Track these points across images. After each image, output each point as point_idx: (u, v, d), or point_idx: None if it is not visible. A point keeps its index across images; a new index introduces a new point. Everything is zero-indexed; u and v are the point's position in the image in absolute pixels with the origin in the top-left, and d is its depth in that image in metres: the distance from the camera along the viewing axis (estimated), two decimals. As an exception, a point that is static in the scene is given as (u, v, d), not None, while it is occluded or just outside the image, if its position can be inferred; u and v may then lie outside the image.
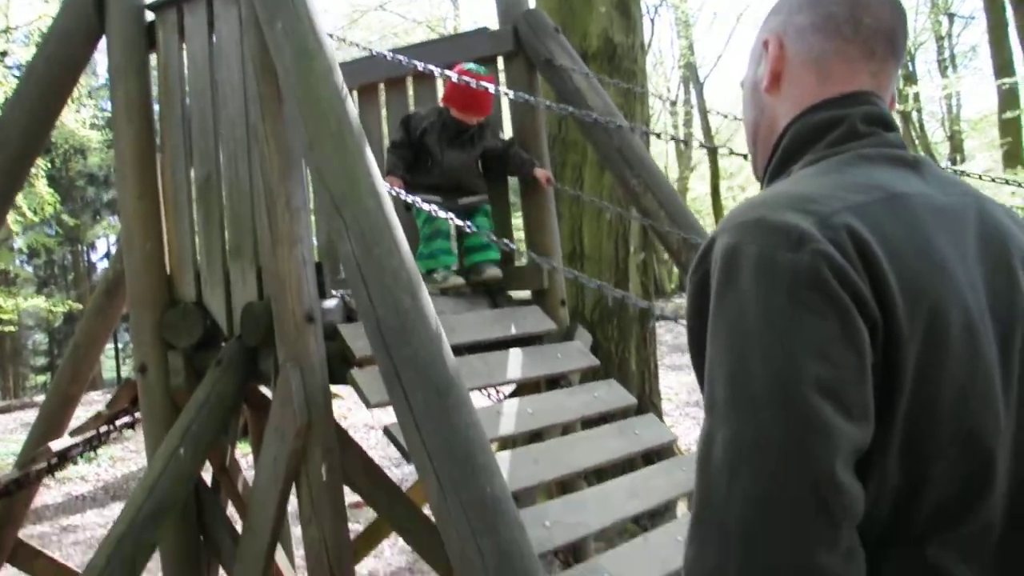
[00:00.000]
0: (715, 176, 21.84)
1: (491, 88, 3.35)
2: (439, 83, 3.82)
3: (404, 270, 2.24)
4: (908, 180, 1.12)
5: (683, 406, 9.01)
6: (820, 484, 0.90)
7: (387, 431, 2.60)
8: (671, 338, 12.87)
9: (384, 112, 4.33)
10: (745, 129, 1.37)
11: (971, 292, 1.04)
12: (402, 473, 6.86)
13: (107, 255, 24.32)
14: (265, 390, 3.57)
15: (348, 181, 2.32)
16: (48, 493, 7.44)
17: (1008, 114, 14.01)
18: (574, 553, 3.33)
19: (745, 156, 2.88)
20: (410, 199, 3.18)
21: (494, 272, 3.53)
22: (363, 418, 8.83)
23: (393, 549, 5.39)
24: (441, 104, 3.65)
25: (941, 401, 0.99)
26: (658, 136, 3.31)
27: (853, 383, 0.94)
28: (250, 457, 4.40)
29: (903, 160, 1.15)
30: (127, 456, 8.50)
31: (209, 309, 3.09)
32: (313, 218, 3.23)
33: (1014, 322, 1.08)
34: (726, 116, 3.62)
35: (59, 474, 7.38)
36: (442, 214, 3.09)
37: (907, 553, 1.01)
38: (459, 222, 3.12)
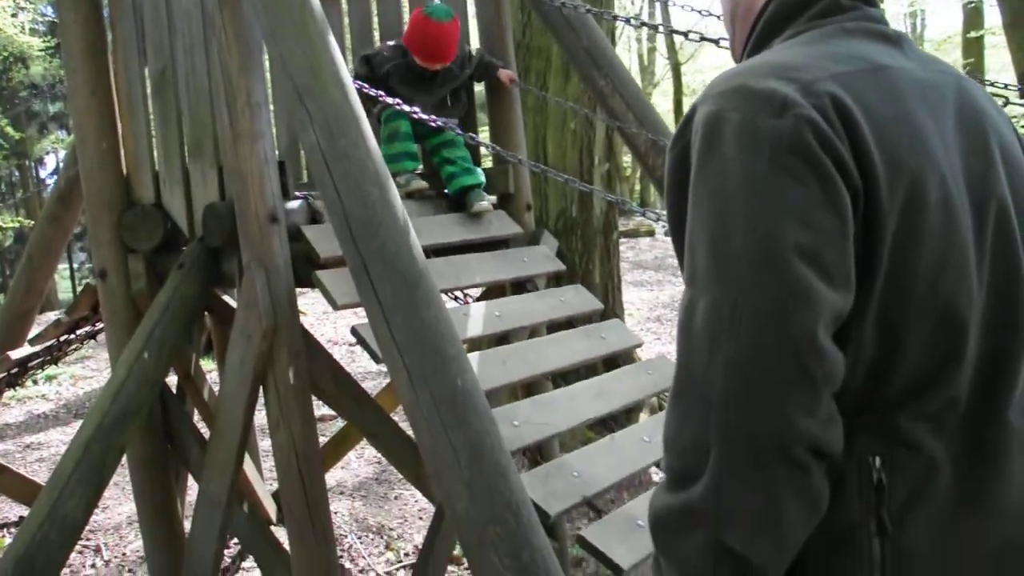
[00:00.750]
0: (678, 92, 21.67)
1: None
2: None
3: (371, 161, 2.18)
4: (890, 54, 1.11)
5: (644, 321, 9.11)
6: (802, 349, 0.90)
7: (355, 331, 2.58)
8: (632, 255, 12.95)
9: (346, 21, 4.20)
10: (722, 9, 1.34)
11: (949, 166, 1.03)
12: (368, 389, 6.89)
13: (56, 171, 23.65)
14: (230, 300, 3.52)
15: (312, 71, 2.24)
16: (9, 412, 7.36)
17: (972, 33, 14.00)
18: (541, 452, 3.37)
19: (715, 41, 2.87)
20: (373, 92, 3.09)
21: (485, 206, 3.41)
22: (326, 333, 8.81)
23: (360, 460, 5.44)
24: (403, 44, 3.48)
25: (918, 272, 0.99)
26: (627, 22, 3.24)
27: (834, 249, 0.93)
28: (215, 374, 4.37)
29: (885, 35, 1.13)
30: (88, 375, 8.42)
31: (169, 211, 3.01)
32: (273, 117, 3.15)
33: (988, 199, 1.08)
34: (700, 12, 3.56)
35: (20, 393, 7.30)
36: (405, 107, 3.01)
37: (878, 422, 1.02)
38: (424, 116, 3.05)
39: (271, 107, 3.00)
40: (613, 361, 4.20)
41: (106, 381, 2.85)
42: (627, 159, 16.14)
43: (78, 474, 2.68)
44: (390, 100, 3.02)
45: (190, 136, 2.95)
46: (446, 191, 3.46)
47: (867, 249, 0.97)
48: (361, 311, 2.27)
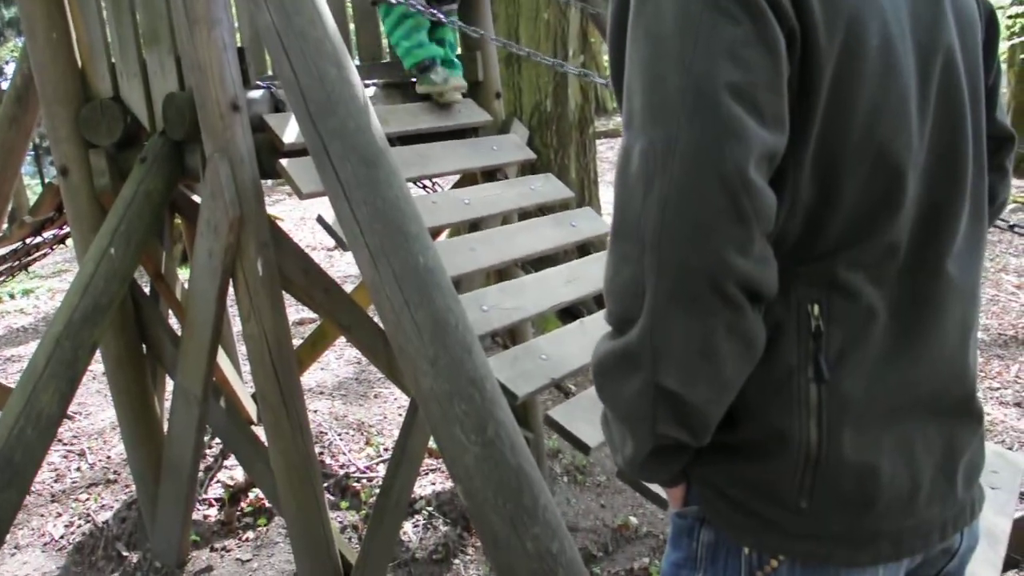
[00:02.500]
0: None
1: None
2: None
3: (328, 40, 2.14)
4: None
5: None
6: (732, 183, 0.91)
7: (320, 218, 2.57)
8: (612, 155, 12.87)
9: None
10: None
11: (892, 10, 1.02)
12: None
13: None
14: (197, 199, 3.49)
15: (262, -55, 2.17)
16: (-12, 326, 7.36)
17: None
18: (513, 339, 3.40)
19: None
20: None
21: (457, 97, 3.37)
22: (304, 239, 8.78)
23: (340, 361, 5.48)
24: None
25: (855, 114, 0.99)
26: None
27: (767, 88, 0.93)
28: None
29: None
30: (66, 287, 8.38)
31: (128, 104, 2.95)
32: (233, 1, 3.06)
33: (935, 50, 1.07)
34: None
35: (-3, 307, 7.28)
36: (419, 6, 2.95)
37: (817, 270, 1.03)
38: (440, 16, 3.02)
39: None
40: (586, 249, 4.22)
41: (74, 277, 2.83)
42: (606, 54, 15.88)
43: (51, 369, 2.69)
44: None
45: (145, 24, 2.87)
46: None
47: (804, 91, 0.97)
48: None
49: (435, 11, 3.12)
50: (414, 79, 3.36)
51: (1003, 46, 11.96)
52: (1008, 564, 2.08)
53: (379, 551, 3.21)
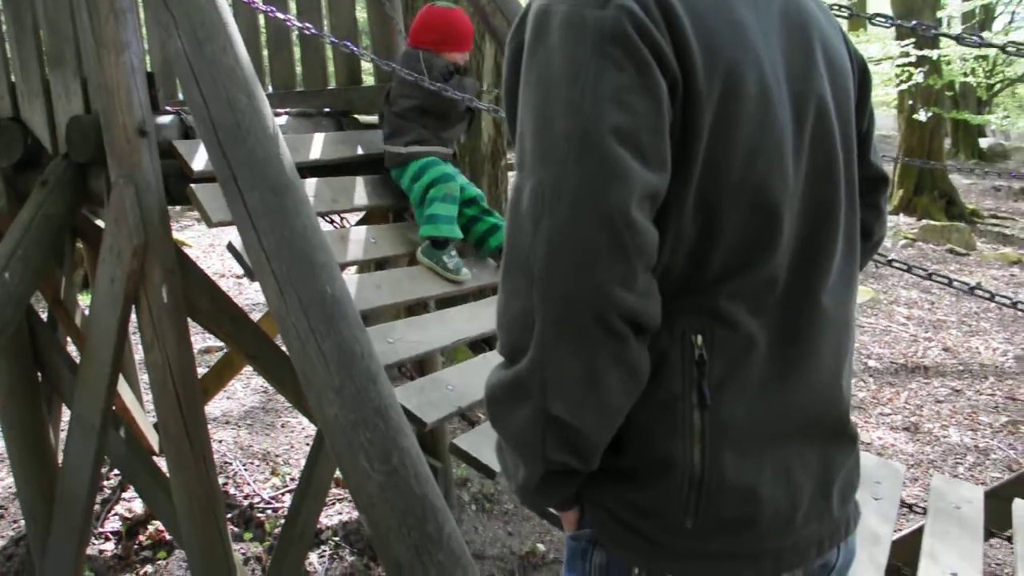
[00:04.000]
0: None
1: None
2: None
3: (239, 68, 2.14)
4: None
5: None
6: (616, 221, 0.96)
7: (231, 246, 2.55)
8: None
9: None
10: None
11: (769, 61, 1.10)
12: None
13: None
14: (101, 223, 3.41)
15: (174, -28, 2.17)
16: None
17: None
18: (420, 370, 3.42)
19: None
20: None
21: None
22: (212, 266, 8.61)
23: (246, 390, 5.39)
24: (421, 49, 3.10)
25: (733, 156, 1.06)
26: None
27: (650, 131, 0.99)
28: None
29: None
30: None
31: (29, 124, 2.88)
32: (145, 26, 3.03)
33: (807, 96, 1.15)
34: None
35: None
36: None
37: (699, 302, 1.09)
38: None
39: (140, 14, 2.88)
40: (493, 290, 4.26)
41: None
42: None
43: (-61, 399, 2.59)
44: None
45: (49, 45, 2.81)
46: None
47: (685, 135, 1.03)
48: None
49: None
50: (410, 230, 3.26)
51: (892, 92, 12.63)
52: (889, 572, 2.19)
53: (283, 583, 3.16)
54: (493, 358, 3.05)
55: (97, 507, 3.63)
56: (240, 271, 8.35)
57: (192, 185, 2.60)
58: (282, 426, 4.89)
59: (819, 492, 1.20)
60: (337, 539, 3.74)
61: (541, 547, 3.72)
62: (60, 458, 3.19)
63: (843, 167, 1.20)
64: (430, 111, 3.11)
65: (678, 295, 1.08)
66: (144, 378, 4.58)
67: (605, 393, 1.01)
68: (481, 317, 3.07)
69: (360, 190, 3.14)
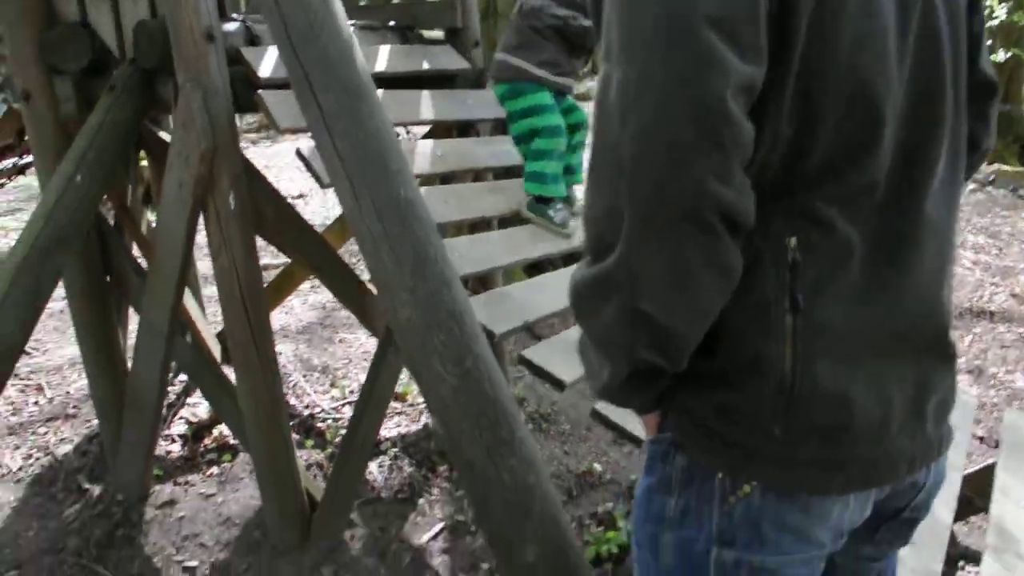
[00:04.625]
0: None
1: None
2: None
3: (310, -35, 2.10)
4: None
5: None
6: (711, 113, 0.92)
7: (299, 152, 2.54)
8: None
9: None
10: None
11: None
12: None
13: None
14: (166, 136, 3.41)
15: None
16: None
17: None
18: (483, 284, 3.41)
19: None
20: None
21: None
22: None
23: (304, 306, 5.46)
24: None
25: (836, 49, 1.00)
26: None
27: (746, 20, 0.94)
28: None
29: None
30: (21, 227, 8.19)
31: (96, 29, 2.87)
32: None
33: None
34: None
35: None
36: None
37: (794, 205, 1.05)
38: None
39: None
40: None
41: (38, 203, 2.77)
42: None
43: (12, 297, 2.64)
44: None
45: (116, -54, 2.79)
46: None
47: (784, 23, 0.98)
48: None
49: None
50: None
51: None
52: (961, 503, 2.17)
53: (345, 489, 3.23)
54: (558, 277, 3.05)
55: (163, 411, 3.72)
56: (297, 191, 8.40)
57: (260, 91, 2.59)
58: (340, 341, 4.95)
59: (913, 408, 1.17)
60: (396, 450, 3.80)
61: (598, 467, 3.74)
62: (130, 363, 3.26)
63: (951, 71, 1.14)
64: (568, 36, 2.96)
65: (772, 197, 1.04)
66: (206, 291, 4.66)
67: (696, 292, 0.99)
68: (545, 240, 3.06)
69: (426, 104, 3.10)
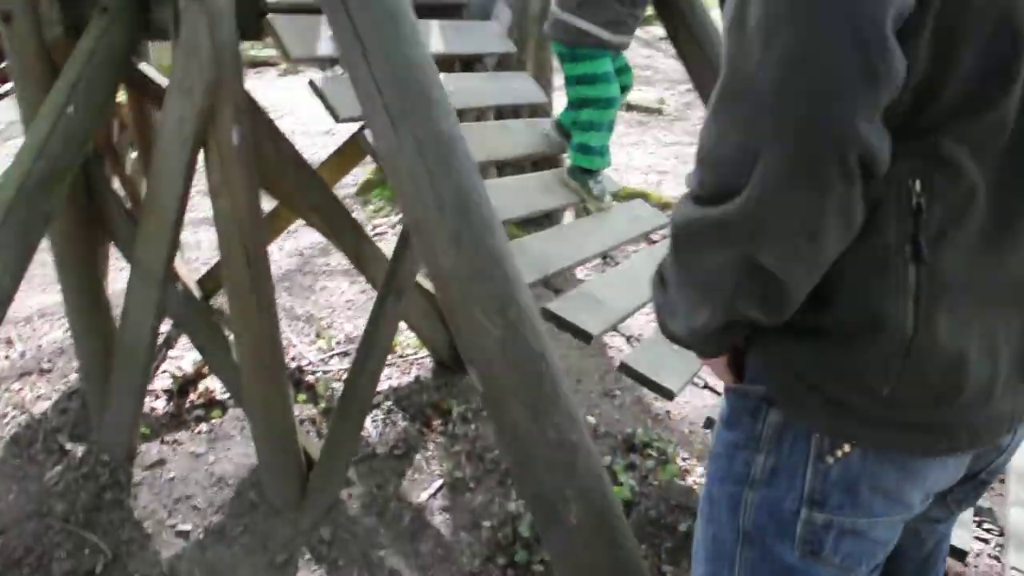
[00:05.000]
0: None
1: None
2: None
3: None
4: None
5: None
6: (871, 40, 0.82)
7: (313, 84, 2.36)
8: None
9: None
10: None
11: None
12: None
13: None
14: (149, 71, 3.17)
15: None
16: None
17: None
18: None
19: None
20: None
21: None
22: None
23: (280, 253, 5.25)
24: None
25: None
26: None
27: None
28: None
29: None
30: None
31: (85, -57, 2.63)
32: None
33: None
34: None
35: None
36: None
37: (921, 146, 0.96)
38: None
39: None
40: (553, 160, 4.10)
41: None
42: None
43: (2, 239, 2.43)
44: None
45: None
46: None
47: None
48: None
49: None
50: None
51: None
52: None
53: (343, 446, 3.10)
54: (571, 228, 2.95)
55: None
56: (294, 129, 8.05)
57: (269, 15, 2.39)
58: (321, 289, 4.78)
59: (1018, 364, 1.10)
60: (389, 403, 3.67)
61: (591, 419, 3.66)
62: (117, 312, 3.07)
63: None
64: None
65: (899, 136, 0.93)
66: (186, 235, 4.44)
67: (823, 244, 0.91)
68: (553, 188, 2.93)
69: (435, 35, 2.94)
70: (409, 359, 4.02)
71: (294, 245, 5.26)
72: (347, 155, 3.54)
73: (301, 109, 8.09)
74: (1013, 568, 1.97)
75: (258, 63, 10.31)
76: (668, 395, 2.33)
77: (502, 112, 3.66)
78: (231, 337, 3.00)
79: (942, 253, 0.98)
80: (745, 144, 0.87)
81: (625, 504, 3.02)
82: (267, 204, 2.88)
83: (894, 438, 1.07)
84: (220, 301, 4.16)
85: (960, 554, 2.11)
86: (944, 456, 1.11)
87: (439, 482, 3.25)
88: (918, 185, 0.96)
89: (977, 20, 0.92)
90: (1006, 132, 0.99)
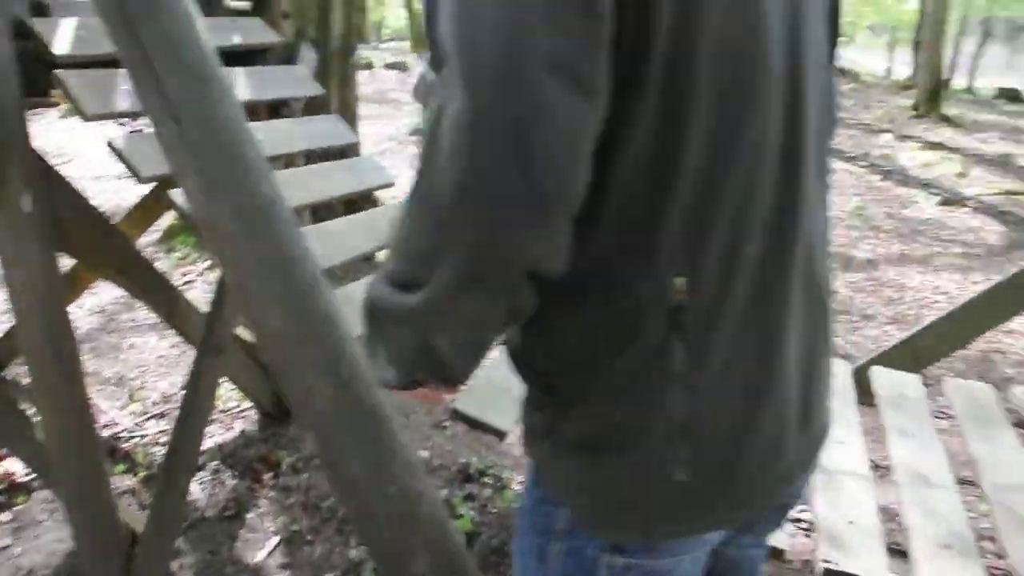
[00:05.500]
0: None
1: None
2: None
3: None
4: None
5: (371, 156, 8.94)
6: (539, 168, 0.85)
7: (112, 145, 2.24)
8: (370, 90, 12.58)
9: None
10: None
11: None
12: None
13: None
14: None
15: None
16: None
17: None
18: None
19: None
20: None
21: None
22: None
23: (81, 311, 4.92)
24: None
25: (698, 68, 0.93)
26: None
27: (590, 56, 0.86)
28: None
29: None
30: None
31: None
32: None
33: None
34: None
35: None
36: None
37: (673, 244, 0.99)
38: None
39: None
40: (372, 199, 4.10)
41: None
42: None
43: None
44: None
45: None
46: None
47: (640, 28, 0.90)
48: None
49: None
50: None
51: None
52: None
53: (169, 515, 2.94)
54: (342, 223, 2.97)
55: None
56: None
57: (59, 71, 2.25)
58: (129, 347, 4.51)
59: (799, 415, 1.16)
60: (216, 463, 3.52)
61: (424, 453, 3.66)
62: None
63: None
64: None
65: (650, 233, 0.97)
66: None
67: (487, 336, 1.00)
68: (376, 230, 2.94)
69: (240, 83, 2.86)
70: (232, 413, 3.87)
71: (96, 302, 4.94)
72: (150, 208, 3.38)
73: (88, 152, 7.61)
74: (823, 561, 2.12)
75: (36, 104, 9.61)
76: (500, 435, 2.38)
77: (312, 155, 3.62)
78: (32, 411, 2.78)
79: (706, 346, 1.01)
80: (425, 250, 0.91)
81: (467, 536, 3.04)
82: (65, 260, 2.70)
83: (691, 526, 1.11)
84: (16, 372, 3.84)
85: (778, 553, 2.26)
86: (735, 525, 1.18)
87: (275, 539, 3.14)
88: (678, 283, 0.98)
89: (698, 113, 0.94)
90: (765, 202, 1.02)
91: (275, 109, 3.23)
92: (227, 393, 3.88)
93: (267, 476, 3.47)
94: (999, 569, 2.36)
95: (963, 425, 2.66)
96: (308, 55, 3.34)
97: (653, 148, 0.94)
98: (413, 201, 0.92)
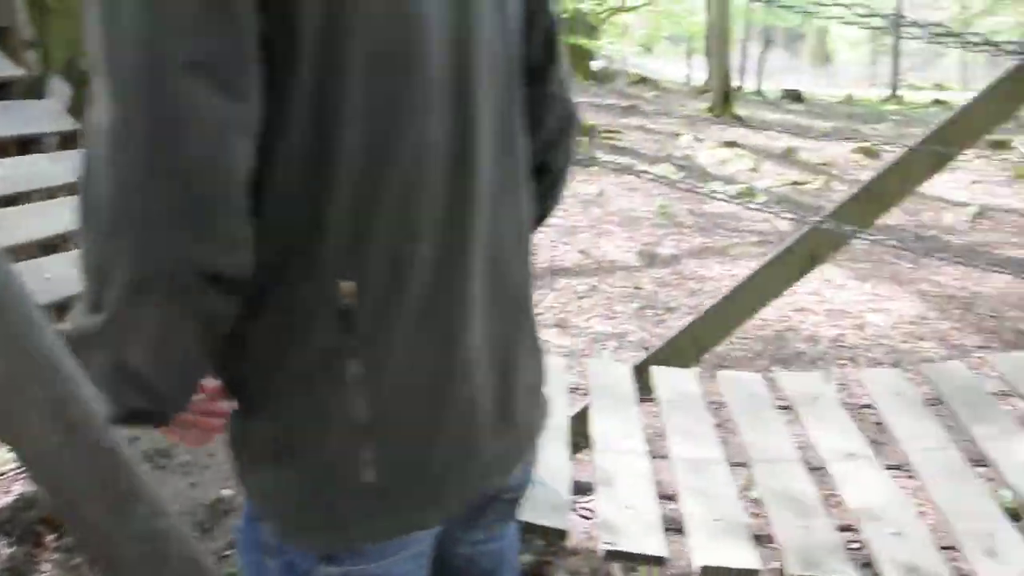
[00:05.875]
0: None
1: None
2: None
3: None
4: None
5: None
6: (190, 172, 0.85)
7: None
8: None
9: None
10: None
11: None
12: None
13: None
14: None
15: None
16: None
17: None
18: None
19: None
20: None
21: None
22: None
23: None
24: None
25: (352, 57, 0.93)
26: None
27: (231, 57, 0.87)
28: None
29: None
30: None
31: None
32: None
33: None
34: None
35: None
36: None
37: (342, 248, 0.98)
38: None
39: None
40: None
41: None
42: None
43: None
44: None
45: None
46: None
47: (286, 42, 0.90)
48: None
49: None
50: None
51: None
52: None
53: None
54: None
55: None
56: None
57: None
58: None
59: (498, 408, 1.15)
60: (-11, 530, 3.26)
61: (227, 492, 3.53)
62: None
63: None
64: None
65: (315, 238, 0.96)
66: None
67: (179, 346, 0.95)
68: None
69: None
70: (8, 477, 3.60)
71: None
72: None
73: None
74: (605, 543, 2.18)
75: None
76: None
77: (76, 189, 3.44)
78: None
79: (378, 351, 1.00)
80: (97, 264, 0.90)
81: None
82: None
83: (388, 528, 1.08)
84: None
85: (560, 535, 2.30)
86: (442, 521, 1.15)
87: (59, 603, 2.95)
88: (344, 287, 0.97)
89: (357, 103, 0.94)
90: (436, 203, 1.01)
91: (25, 145, 3.05)
92: (3, 455, 3.61)
93: (50, 538, 3.24)
94: (765, 535, 2.49)
95: (734, 413, 2.84)
96: (60, 88, 3.17)
97: (307, 151, 0.93)
98: (80, 218, 0.89)
